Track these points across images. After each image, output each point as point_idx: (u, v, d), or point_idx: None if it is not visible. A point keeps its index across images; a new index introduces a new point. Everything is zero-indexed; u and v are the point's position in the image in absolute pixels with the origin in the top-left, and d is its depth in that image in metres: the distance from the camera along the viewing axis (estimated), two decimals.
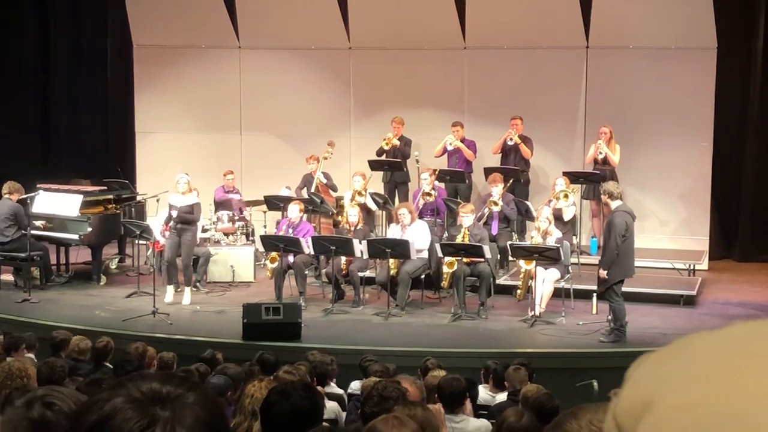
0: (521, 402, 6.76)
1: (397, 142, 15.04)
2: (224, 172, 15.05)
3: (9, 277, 13.75)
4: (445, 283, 12.54)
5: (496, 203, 13.33)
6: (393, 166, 14.87)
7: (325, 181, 14.75)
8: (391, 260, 12.36)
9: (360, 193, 14.06)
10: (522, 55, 15.32)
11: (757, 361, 0.79)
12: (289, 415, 3.52)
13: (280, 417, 3.56)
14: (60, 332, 9.71)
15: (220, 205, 14.78)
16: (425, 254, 12.67)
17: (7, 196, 13.40)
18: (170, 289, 12.82)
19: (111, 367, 8.40)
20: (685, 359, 0.80)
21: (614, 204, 10.91)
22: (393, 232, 12.90)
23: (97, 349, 9.09)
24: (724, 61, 14.68)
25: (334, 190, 14.87)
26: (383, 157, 15.06)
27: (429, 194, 13.83)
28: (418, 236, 12.60)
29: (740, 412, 0.75)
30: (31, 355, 8.69)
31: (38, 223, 13.67)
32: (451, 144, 14.84)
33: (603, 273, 10.84)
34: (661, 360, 0.82)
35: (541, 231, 12.09)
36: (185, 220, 12.63)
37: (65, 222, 13.75)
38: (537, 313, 11.81)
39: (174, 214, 12.70)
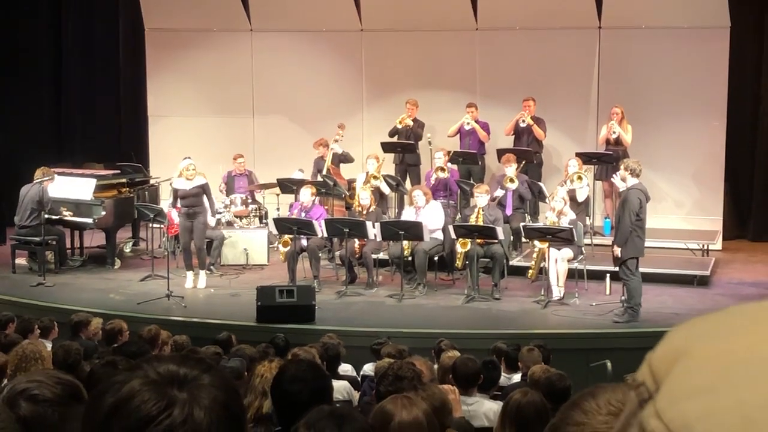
0: (529, 383, 6.76)
1: (411, 123, 14.97)
2: (234, 156, 15.04)
3: (24, 261, 13.81)
4: (459, 263, 12.54)
5: (512, 180, 13.28)
6: (406, 148, 14.83)
7: (339, 152, 14.62)
8: (405, 243, 12.35)
9: (375, 177, 14.01)
10: (534, 36, 15.24)
11: None
12: (298, 394, 3.55)
13: (290, 396, 3.60)
14: (79, 314, 9.78)
15: (230, 188, 14.80)
16: (439, 234, 12.66)
17: (38, 180, 13.36)
18: (189, 274, 12.85)
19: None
20: (719, 319, 0.84)
21: (630, 182, 10.90)
22: (407, 214, 12.89)
23: (107, 330, 9.15)
24: (737, 40, 14.59)
25: (350, 160, 14.79)
26: (396, 138, 15.01)
27: (443, 169, 13.78)
28: (432, 217, 12.60)
29: None
30: (45, 340, 8.73)
31: (65, 211, 13.69)
32: (468, 124, 14.75)
33: (617, 250, 10.86)
34: (696, 321, 0.85)
35: (556, 211, 12.07)
36: (196, 203, 12.64)
37: (79, 206, 13.79)
38: (558, 295, 11.80)
39: (176, 199, 12.74)
